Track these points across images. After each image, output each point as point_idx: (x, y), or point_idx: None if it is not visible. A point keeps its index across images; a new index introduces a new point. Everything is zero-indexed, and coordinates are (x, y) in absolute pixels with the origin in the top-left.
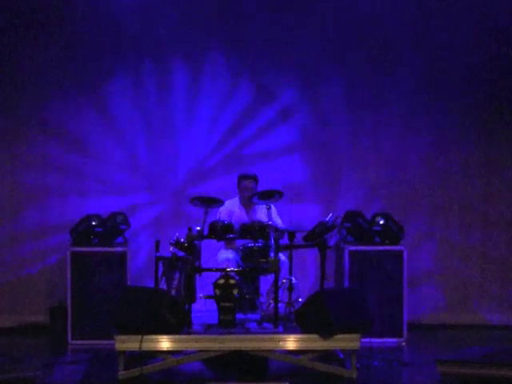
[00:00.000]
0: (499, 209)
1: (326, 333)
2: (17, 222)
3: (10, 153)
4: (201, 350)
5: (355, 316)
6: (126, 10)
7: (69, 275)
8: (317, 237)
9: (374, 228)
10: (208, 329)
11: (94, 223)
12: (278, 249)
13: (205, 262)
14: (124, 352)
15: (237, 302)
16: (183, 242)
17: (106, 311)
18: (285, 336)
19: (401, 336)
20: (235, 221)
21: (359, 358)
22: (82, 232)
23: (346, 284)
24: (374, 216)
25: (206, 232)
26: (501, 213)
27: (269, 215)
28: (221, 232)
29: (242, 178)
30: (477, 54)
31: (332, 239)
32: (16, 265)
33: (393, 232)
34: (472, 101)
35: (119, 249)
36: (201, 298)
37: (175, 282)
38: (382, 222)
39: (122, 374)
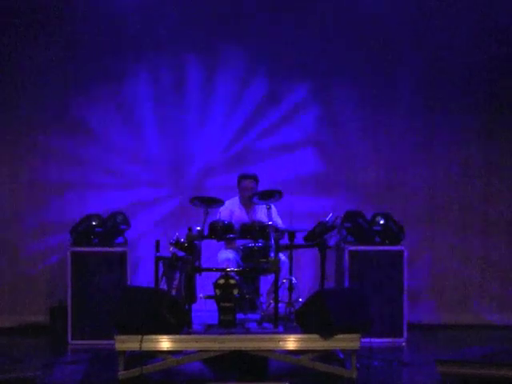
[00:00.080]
0: (499, 209)
1: (326, 333)
2: (17, 222)
3: (10, 153)
4: (201, 350)
5: (355, 316)
6: (126, 10)
7: (69, 275)
8: (317, 237)
9: (374, 228)
10: (208, 329)
11: (94, 223)
12: (278, 249)
13: (205, 261)
14: (124, 352)
15: (237, 302)
16: (183, 242)
17: (106, 311)
18: (285, 336)
19: (401, 336)
20: (235, 221)
21: (359, 358)
22: (82, 232)
23: (346, 284)
24: (374, 216)
25: (206, 232)
26: (501, 213)
27: (269, 215)
28: (221, 232)
29: (242, 177)
30: (477, 54)
31: (332, 239)
32: (16, 265)
33: (393, 232)
34: (472, 101)
35: (119, 249)
36: (201, 298)
37: (175, 282)
38: (382, 222)
39: (122, 374)
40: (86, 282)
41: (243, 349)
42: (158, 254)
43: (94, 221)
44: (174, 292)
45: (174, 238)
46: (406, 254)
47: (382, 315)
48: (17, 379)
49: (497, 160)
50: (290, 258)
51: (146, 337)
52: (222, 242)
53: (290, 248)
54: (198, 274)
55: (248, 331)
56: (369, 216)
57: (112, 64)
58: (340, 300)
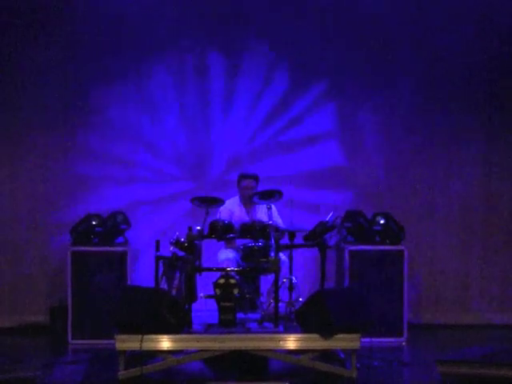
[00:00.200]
0: (499, 209)
1: (326, 332)
2: (17, 222)
3: (10, 153)
4: (201, 350)
5: (355, 316)
6: (126, 10)
7: (69, 275)
8: (317, 236)
9: (375, 228)
10: (208, 328)
11: (94, 223)
12: (279, 248)
13: (205, 261)
14: (124, 352)
15: (237, 302)
16: (183, 242)
17: (107, 311)
18: (285, 336)
19: (401, 336)
20: (235, 220)
21: (359, 357)
22: (82, 232)
23: (347, 284)
24: (375, 216)
25: (206, 231)
26: (501, 213)
27: (269, 215)
28: (221, 231)
29: (243, 177)
30: (477, 54)
31: (332, 239)
32: (16, 265)
33: (393, 232)
34: (472, 101)
35: (119, 248)
36: (201, 297)
37: (176, 282)
38: (382, 222)
39: (122, 373)
40: (86, 281)
41: (243, 348)
42: (158, 253)
43: (94, 220)
44: (174, 292)
45: (174, 237)
46: (406, 253)
47: (382, 315)
48: (17, 379)
49: (497, 160)
50: (290, 258)
51: (146, 336)
52: (222, 242)
53: (290, 248)
54: (198, 274)
55: (248, 331)
56: (369, 216)
57: (112, 64)
58: (340, 300)
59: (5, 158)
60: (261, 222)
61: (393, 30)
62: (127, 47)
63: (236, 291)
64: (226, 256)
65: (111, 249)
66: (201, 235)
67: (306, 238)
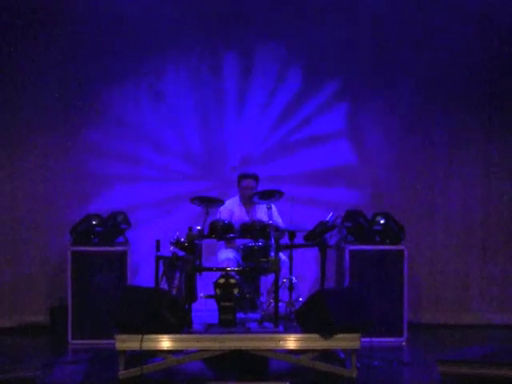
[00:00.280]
0: (499, 208)
1: (326, 332)
2: (17, 222)
3: (10, 153)
4: (201, 350)
5: (355, 315)
6: (126, 10)
7: (69, 275)
8: (317, 236)
9: (375, 227)
10: (208, 328)
11: (94, 222)
12: (279, 248)
13: (205, 261)
14: (124, 351)
15: (237, 302)
16: (183, 242)
17: (107, 311)
18: (285, 335)
19: (401, 336)
20: (235, 220)
21: (359, 357)
22: (82, 231)
23: (347, 283)
24: (375, 215)
25: (206, 231)
26: (501, 213)
27: (269, 215)
28: (221, 231)
29: (243, 177)
30: (477, 54)
31: (332, 239)
32: (16, 265)
33: (393, 232)
34: (472, 101)
35: (120, 248)
36: (201, 297)
37: (176, 282)
38: (382, 222)
39: (122, 373)
40: (86, 281)
41: (243, 348)
42: (158, 253)
43: (95, 220)
44: (174, 291)
45: (175, 237)
46: (406, 253)
47: (382, 315)
48: (17, 379)
49: (497, 160)
50: (291, 258)
51: (146, 336)
52: (223, 242)
53: (290, 247)
54: (198, 274)
55: (248, 331)
56: (371, 215)
57: (112, 64)
58: (340, 299)
59: (5, 158)
60: (261, 221)
61: (393, 29)
62: (127, 47)
63: (236, 291)
64: (226, 256)
65: (111, 249)
66: (201, 235)
67: (306, 238)
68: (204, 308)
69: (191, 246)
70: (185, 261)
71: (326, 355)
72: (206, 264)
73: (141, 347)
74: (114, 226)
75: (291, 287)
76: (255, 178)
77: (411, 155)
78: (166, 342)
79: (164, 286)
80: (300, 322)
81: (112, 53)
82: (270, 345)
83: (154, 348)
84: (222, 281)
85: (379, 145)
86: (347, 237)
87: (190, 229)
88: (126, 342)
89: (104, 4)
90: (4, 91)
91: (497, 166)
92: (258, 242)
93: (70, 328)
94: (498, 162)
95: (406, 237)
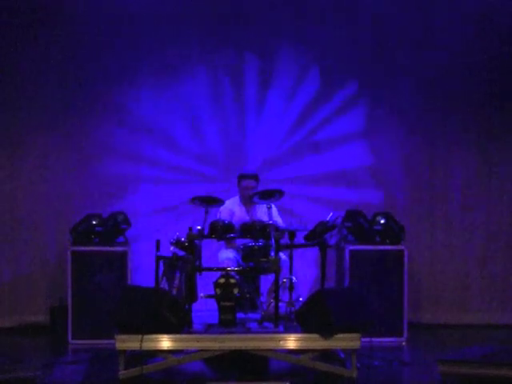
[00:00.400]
0: (499, 208)
1: (326, 332)
2: (17, 221)
3: (10, 153)
4: (201, 350)
5: (355, 315)
6: (126, 10)
7: (69, 275)
8: (317, 236)
9: (375, 227)
10: (209, 328)
11: (94, 222)
12: (279, 248)
13: (205, 261)
14: (124, 351)
15: (237, 302)
16: (184, 242)
17: (107, 311)
18: (285, 335)
19: (401, 335)
20: (236, 220)
21: (359, 357)
22: (82, 231)
23: (347, 283)
24: (375, 215)
25: (206, 231)
26: (501, 212)
27: (269, 214)
28: (221, 231)
29: (243, 177)
30: (477, 54)
31: (333, 239)
32: (16, 265)
33: (393, 232)
34: (472, 101)
35: (120, 248)
36: (201, 297)
37: (176, 282)
38: (382, 222)
39: (122, 373)
40: (86, 281)
41: (244, 348)
42: (158, 253)
43: (95, 220)
44: (174, 291)
45: (175, 237)
46: (406, 253)
47: (383, 314)
48: (17, 379)
49: (497, 160)
50: (291, 258)
51: (146, 336)
52: (223, 242)
53: (290, 247)
54: (198, 274)
55: (248, 331)
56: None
57: (112, 64)
58: (340, 299)
59: (5, 158)
60: (261, 221)
61: (393, 30)
62: (127, 47)
63: (236, 291)
64: (227, 256)
65: (111, 249)
66: (201, 235)
67: (306, 238)
68: (204, 308)
69: (191, 246)
70: (185, 261)
71: (326, 355)
72: (206, 264)
73: (141, 347)
74: (115, 225)
75: (291, 287)
76: (255, 178)
77: (411, 155)
78: (166, 342)
79: (164, 285)
80: (300, 321)
81: (112, 53)
82: (270, 345)
83: (154, 348)
84: (222, 281)
85: (379, 145)
86: (347, 237)
87: (191, 229)
88: (126, 342)
89: (104, 4)
90: (4, 91)
91: (497, 165)
92: (258, 242)
93: (70, 328)
94: (498, 162)
95: (405, 237)
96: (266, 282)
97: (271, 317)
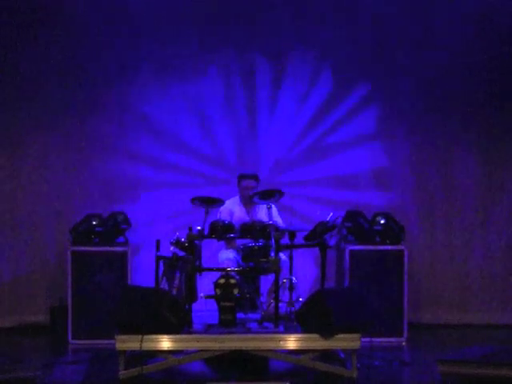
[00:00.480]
0: (500, 208)
1: (326, 332)
2: (17, 221)
3: (10, 153)
4: (201, 350)
5: (355, 316)
6: (126, 9)
7: (69, 275)
8: (317, 236)
9: (375, 228)
10: (209, 328)
11: (94, 223)
12: (279, 248)
13: (206, 261)
14: (124, 352)
15: (237, 302)
16: (184, 242)
17: (107, 311)
18: (285, 336)
19: (401, 336)
20: (236, 220)
21: (360, 357)
22: (82, 231)
23: (347, 283)
24: (375, 216)
25: (206, 232)
26: (501, 212)
27: (269, 215)
28: (221, 232)
29: (243, 177)
30: (477, 54)
31: (333, 239)
32: (16, 265)
33: (393, 232)
34: (472, 101)
35: (120, 248)
36: (201, 297)
37: (176, 282)
38: (382, 222)
39: (122, 373)
40: (86, 281)
41: (244, 348)
42: (158, 253)
43: (95, 220)
44: (174, 291)
45: (175, 237)
46: (406, 253)
47: (383, 315)
48: (17, 379)
49: (497, 160)
50: (291, 258)
51: (146, 336)
52: (223, 242)
53: (290, 247)
54: (198, 274)
55: (248, 331)
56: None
57: (112, 63)
58: (340, 300)
59: (5, 158)
60: (261, 221)
61: (393, 29)
62: (127, 47)
63: (236, 291)
64: (227, 256)
65: (111, 249)
66: (201, 235)
67: (306, 238)
68: (204, 308)
69: (191, 246)
70: (185, 261)
71: (326, 355)
72: (206, 264)
73: (141, 347)
74: (114, 226)
75: (291, 287)
76: (255, 178)
77: (411, 155)
78: (166, 342)
79: (164, 286)
80: (300, 322)
81: (112, 53)
82: (270, 345)
83: (154, 348)
84: (222, 281)
85: (378, 144)
86: (347, 237)
87: (191, 229)
88: (126, 342)
89: (104, 4)
90: (4, 91)
91: (497, 166)
92: (258, 242)
93: (70, 328)
94: (498, 162)
95: (405, 237)
96: (266, 282)
97: (271, 317)
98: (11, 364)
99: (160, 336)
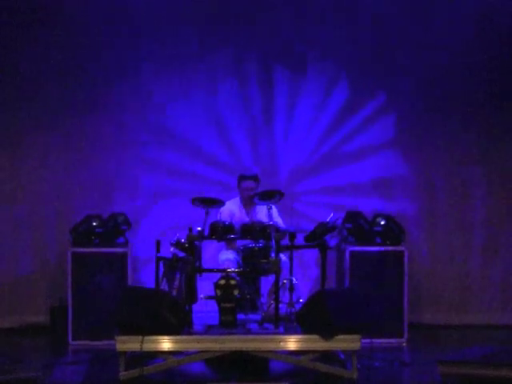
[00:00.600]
0: (500, 208)
1: (326, 333)
2: (17, 221)
3: (10, 153)
4: (202, 351)
5: (356, 316)
6: (126, 9)
7: (69, 275)
8: (318, 237)
9: (375, 229)
10: (209, 329)
11: (94, 223)
12: (279, 249)
13: (206, 262)
14: (125, 352)
15: (238, 303)
16: (184, 243)
17: (107, 311)
18: (285, 336)
19: (401, 336)
20: (236, 221)
21: (360, 358)
22: (82, 232)
23: (347, 284)
24: (375, 217)
25: (206, 232)
26: (501, 212)
27: (269, 215)
28: (221, 232)
29: (243, 178)
30: (477, 54)
31: (333, 240)
32: (16, 265)
33: (394, 233)
34: (472, 101)
35: (120, 249)
36: (201, 298)
37: (176, 283)
38: (382, 223)
39: (122, 374)
40: (86, 282)
41: (244, 349)
42: (158, 254)
43: (95, 221)
44: (174, 292)
45: (175, 238)
46: (406, 254)
47: (383, 315)
48: (17, 380)
49: (497, 160)
50: (291, 259)
51: (146, 337)
52: (223, 243)
53: (290, 248)
54: (198, 275)
55: (249, 332)
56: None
57: (112, 63)
58: (340, 300)
59: (5, 158)
60: (261, 222)
61: (393, 29)
62: (127, 47)
63: (236, 292)
64: (227, 257)
65: (112, 250)
66: (201, 236)
67: (306, 239)
68: (204, 309)
69: (191, 247)
70: (185, 262)
71: (326, 356)
72: (206, 265)
73: (141, 348)
74: (115, 227)
75: (291, 288)
76: (255, 179)
77: (411, 155)
78: (166, 343)
79: (164, 286)
80: (300, 322)
81: (112, 53)
82: (271, 346)
83: (154, 349)
84: (222, 282)
85: (378, 144)
86: (348, 238)
87: (191, 230)
88: (127, 343)
89: (104, 4)
90: (4, 91)
91: (497, 166)
92: (259, 243)
93: (71, 328)
94: (498, 162)
95: (406, 237)
96: (266, 283)
97: (271, 318)
98: (11, 364)
99: (160, 337)
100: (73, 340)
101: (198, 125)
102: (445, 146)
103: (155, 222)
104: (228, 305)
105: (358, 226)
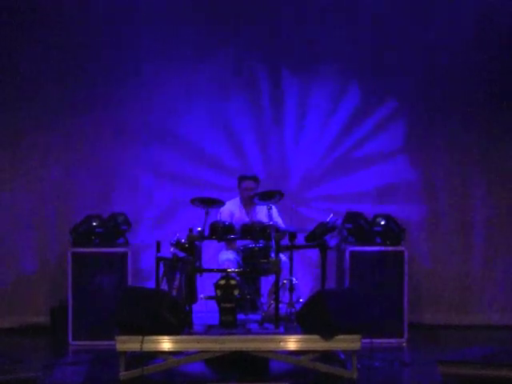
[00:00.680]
0: (500, 208)
1: (326, 333)
2: (17, 221)
3: (10, 153)
4: (202, 351)
5: (356, 316)
6: (126, 9)
7: (69, 275)
8: (318, 237)
9: (375, 229)
10: (209, 329)
11: (94, 224)
12: (279, 249)
13: (206, 262)
14: (125, 353)
15: (238, 303)
16: (184, 243)
17: (107, 312)
18: (286, 337)
19: (401, 336)
20: (236, 221)
21: (360, 358)
22: (82, 232)
23: (347, 284)
24: (375, 217)
25: (206, 233)
26: (501, 213)
27: (269, 216)
28: (221, 233)
29: (243, 178)
30: (477, 54)
31: (333, 240)
32: (16, 265)
33: (394, 233)
34: (472, 101)
35: (120, 249)
36: (202, 298)
37: (176, 283)
38: (382, 223)
39: (122, 374)
40: (86, 282)
41: (244, 349)
42: (158, 254)
43: (95, 221)
44: (174, 292)
45: (175, 238)
46: (406, 254)
47: (383, 315)
48: (17, 380)
49: (497, 160)
50: (291, 259)
51: (146, 337)
52: (223, 243)
53: (290, 248)
54: (198, 275)
55: (249, 332)
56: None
57: (112, 63)
58: (341, 300)
59: (5, 158)
60: (261, 222)
61: (393, 29)
62: (127, 47)
63: (236, 292)
64: (227, 257)
65: (112, 250)
66: (201, 236)
67: (306, 239)
68: (204, 309)
69: (191, 247)
70: (185, 262)
71: (326, 356)
72: (206, 265)
73: (141, 348)
74: (115, 227)
75: (292, 288)
76: (255, 179)
77: (410, 156)
78: (166, 343)
79: (164, 287)
80: (300, 322)
81: (112, 53)
82: (271, 346)
83: (154, 349)
84: (222, 282)
85: (379, 144)
86: (348, 238)
87: (191, 230)
88: (127, 343)
89: (104, 4)
90: (4, 91)
91: (497, 165)
92: (259, 243)
93: (71, 329)
94: (498, 162)
95: (406, 237)
96: (266, 283)
97: (271, 318)
98: (11, 365)
99: (160, 337)
100: (73, 340)
101: (200, 126)
102: (445, 146)
103: (155, 221)
104: (228, 305)
105: (357, 225)
